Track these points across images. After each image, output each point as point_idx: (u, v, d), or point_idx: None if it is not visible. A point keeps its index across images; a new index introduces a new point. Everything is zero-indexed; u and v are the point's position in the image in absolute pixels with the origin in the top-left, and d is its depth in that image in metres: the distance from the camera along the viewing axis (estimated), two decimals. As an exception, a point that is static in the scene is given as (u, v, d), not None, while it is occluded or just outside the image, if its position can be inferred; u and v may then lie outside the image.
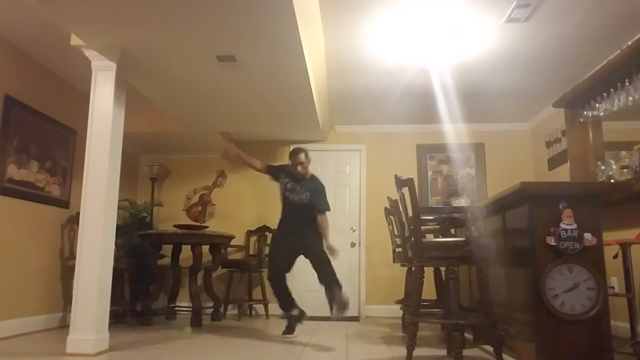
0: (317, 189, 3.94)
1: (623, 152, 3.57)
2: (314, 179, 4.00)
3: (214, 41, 3.23)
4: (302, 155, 3.90)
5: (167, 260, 5.24)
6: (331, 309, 3.59)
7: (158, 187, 6.03)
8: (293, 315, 3.81)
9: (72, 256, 4.47)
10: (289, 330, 3.80)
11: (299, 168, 3.88)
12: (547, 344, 2.47)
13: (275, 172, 4.07)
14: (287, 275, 3.88)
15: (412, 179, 2.73)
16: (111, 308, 3.34)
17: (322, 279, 3.68)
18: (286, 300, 3.84)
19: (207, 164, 6.07)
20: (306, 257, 3.81)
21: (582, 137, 4.29)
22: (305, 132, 5.61)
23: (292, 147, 5.95)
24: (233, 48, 3.34)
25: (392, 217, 4.05)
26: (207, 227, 5.07)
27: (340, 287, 3.63)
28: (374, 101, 5.14)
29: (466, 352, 3.07)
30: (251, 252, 5.70)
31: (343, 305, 3.53)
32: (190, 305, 4.58)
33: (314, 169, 5.84)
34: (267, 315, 5.29)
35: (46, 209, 4.21)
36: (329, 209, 3.90)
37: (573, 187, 2.86)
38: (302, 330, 4.26)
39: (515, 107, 5.28)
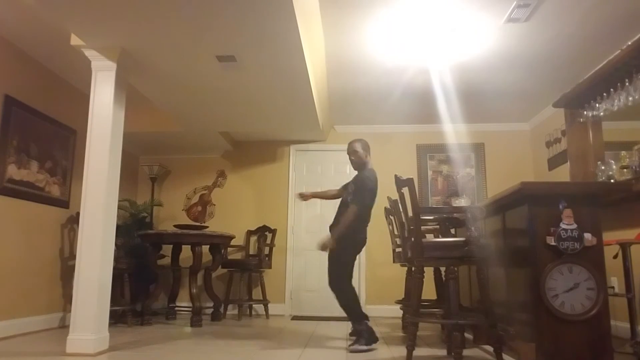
0: (357, 181, 3.49)
1: (623, 152, 3.57)
2: (362, 172, 3.51)
3: (214, 41, 3.23)
4: (352, 145, 3.55)
5: (167, 260, 5.24)
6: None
7: (158, 187, 6.03)
8: (368, 325, 3.32)
9: (72, 256, 4.47)
10: (373, 338, 3.28)
11: (352, 158, 3.54)
12: (547, 344, 2.47)
13: (345, 186, 3.73)
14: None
15: (412, 179, 2.73)
16: (111, 308, 3.34)
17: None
18: (360, 308, 3.39)
19: (207, 164, 6.08)
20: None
21: (582, 137, 4.29)
22: (305, 132, 5.61)
23: (292, 148, 6.01)
24: (233, 48, 3.34)
25: (392, 217, 4.05)
26: (207, 227, 5.07)
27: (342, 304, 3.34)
28: (373, 101, 5.14)
29: (466, 352, 3.07)
30: (251, 252, 5.70)
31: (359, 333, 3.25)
32: (190, 305, 4.58)
33: (314, 169, 5.96)
34: (267, 315, 5.29)
35: (46, 209, 4.21)
36: (357, 204, 3.37)
37: (573, 187, 2.85)
38: (302, 329, 4.28)
39: (515, 107, 5.28)
